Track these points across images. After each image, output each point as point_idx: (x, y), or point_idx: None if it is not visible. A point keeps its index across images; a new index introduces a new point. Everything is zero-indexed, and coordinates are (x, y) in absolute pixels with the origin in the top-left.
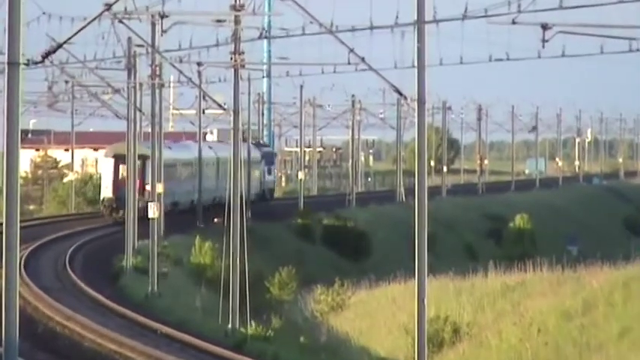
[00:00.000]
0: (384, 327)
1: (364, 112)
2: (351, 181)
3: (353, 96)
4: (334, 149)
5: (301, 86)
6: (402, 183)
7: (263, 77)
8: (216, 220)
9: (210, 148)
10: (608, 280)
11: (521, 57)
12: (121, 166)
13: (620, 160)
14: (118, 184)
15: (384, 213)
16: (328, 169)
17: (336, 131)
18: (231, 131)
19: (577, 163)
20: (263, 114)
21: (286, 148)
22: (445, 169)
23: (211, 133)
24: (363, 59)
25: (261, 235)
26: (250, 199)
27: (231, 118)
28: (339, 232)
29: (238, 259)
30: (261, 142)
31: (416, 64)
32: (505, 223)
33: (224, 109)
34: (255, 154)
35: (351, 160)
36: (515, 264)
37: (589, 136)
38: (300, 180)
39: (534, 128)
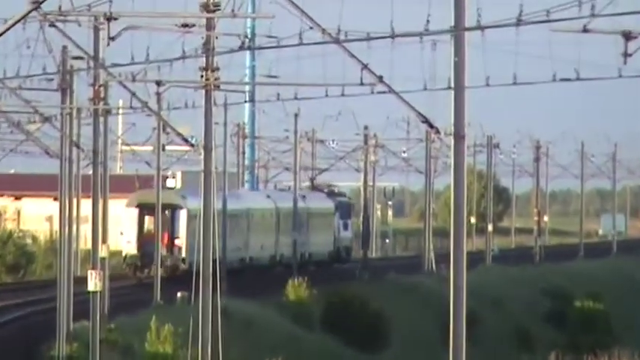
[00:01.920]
0: None
1: (381, 150)
2: (363, 242)
3: (366, 128)
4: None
5: (296, 115)
6: (431, 246)
7: (245, 102)
8: (179, 294)
9: (269, 197)
10: None
11: (595, 76)
12: (146, 218)
13: None
14: (144, 239)
15: (407, 287)
16: None
17: (343, 175)
18: (201, 174)
19: None
20: (244, 152)
21: None
22: (491, 227)
23: (173, 177)
24: (380, 78)
25: (241, 317)
26: (321, 259)
27: (201, 157)
28: (347, 314)
29: (210, 349)
30: (336, 190)
31: (452, 84)
32: (570, 302)
33: (191, 145)
34: (327, 204)
35: (363, 214)
36: (583, 357)
37: None
38: (295, 241)
39: None
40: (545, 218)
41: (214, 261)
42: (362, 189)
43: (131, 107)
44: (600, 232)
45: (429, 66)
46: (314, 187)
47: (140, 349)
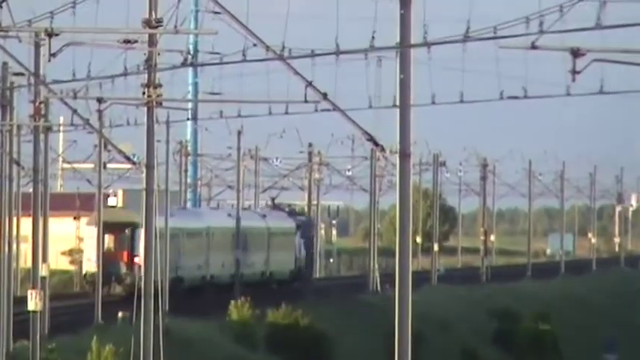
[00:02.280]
0: None
1: (325, 169)
2: (307, 262)
3: (310, 145)
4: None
5: (239, 132)
6: (376, 266)
7: (187, 120)
8: (120, 314)
9: (229, 215)
10: None
11: (543, 94)
12: (107, 236)
13: None
14: (104, 257)
15: (351, 308)
16: None
17: (287, 195)
18: (143, 192)
19: (617, 240)
20: (187, 170)
21: None
22: (437, 247)
23: (114, 195)
24: (325, 96)
25: (183, 337)
26: (282, 278)
27: (143, 174)
28: (290, 334)
29: None
30: (296, 209)
31: (398, 102)
32: (517, 323)
33: (133, 163)
34: (288, 224)
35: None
36: None
37: (634, 203)
38: (237, 260)
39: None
40: (492, 238)
41: (172, 280)
42: (306, 208)
43: (72, 124)
44: (548, 251)
45: (375, 83)
46: (274, 207)
47: None
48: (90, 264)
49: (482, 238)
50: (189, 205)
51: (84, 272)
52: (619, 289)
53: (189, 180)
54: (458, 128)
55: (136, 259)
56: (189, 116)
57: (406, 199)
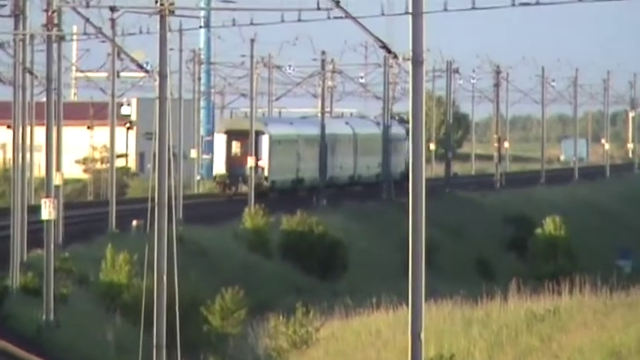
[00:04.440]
0: None
1: (339, 76)
2: (320, 170)
3: (323, 53)
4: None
5: (252, 40)
6: (390, 173)
7: (200, 28)
8: (134, 222)
9: (347, 123)
10: None
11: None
12: (233, 143)
13: None
14: (231, 161)
15: (365, 214)
16: None
17: (300, 101)
18: (156, 101)
19: (630, 145)
20: (200, 78)
21: None
22: (450, 154)
23: (128, 104)
24: (337, 3)
25: (197, 246)
26: (394, 179)
27: (156, 83)
28: (304, 241)
29: (165, 277)
30: (405, 118)
31: (411, 9)
32: (531, 229)
33: (146, 72)
34: (399, 130)
35: (321, 140)
36: (545, 285)
37: None
38: (250, 168)
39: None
40: (506, 144)
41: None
42: (320, 115)
43: (85, 33)
44: (562, 158)
45: None
46: (397, 120)
47: (95, 278)
48: (219, 167)
49: (495, 144)
50: (203, 113)
51: (214, 174)
52: (633, 194)
53: (202, 88)
54: (471, 35)
55: (260, 163)
56: (202, 24)
57: (419, 106)
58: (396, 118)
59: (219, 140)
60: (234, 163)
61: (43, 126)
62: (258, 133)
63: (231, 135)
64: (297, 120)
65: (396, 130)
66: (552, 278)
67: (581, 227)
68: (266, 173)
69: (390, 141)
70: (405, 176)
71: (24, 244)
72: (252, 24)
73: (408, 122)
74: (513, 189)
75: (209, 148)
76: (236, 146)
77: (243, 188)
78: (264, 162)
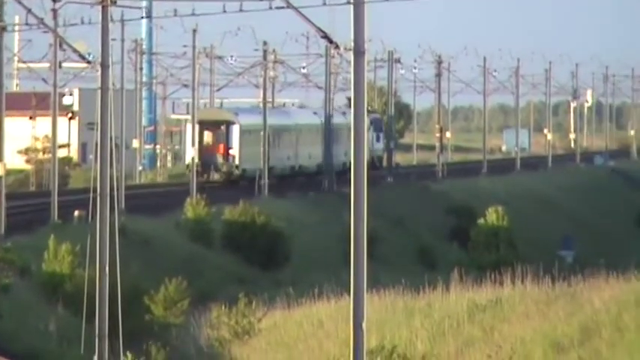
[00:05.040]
0: None
1: (281, 67)
2: (263, 159)
3: (265, 44)
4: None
5: (194, 31)
6: (332, 163)
7: (142, 18)
8: (76, 213)
9: (315, 113)
10: (615, 297)
11: None
12: (205, 132)
13: (632, 132)
14: (203, 150)
15: (307, 204)
16: None
17: (242, 92)
18: (98, 92)
19: (572, 136)
20: (142, 68)
21: (173, 116)
22: (392, 144)
23: (70, 94)
24: None
25: (139, 236)
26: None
27: (99, 73)
28: (246, 231)
29: (107, 267)
30: (369, 108)
31: None
32: (473, 219)
33: (88, 62)
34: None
35: (264, 132)
36: (487, 275)
37: (589, 99)
38: (192, 159)
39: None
40: (448, 134)
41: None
42: (262, 105)
43: (27, 24)
44: (504, 148)
45: None
46: (350, 105)
47: (37, 268)
48: (191, 156)
49: (437, 134)
50: (145, 103)
51: (186, 163)
52: (575, 185)
53: (144, 79)
54: (412, 25)
55: (231, 151)
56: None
57: (361, 96)
58: None
59: (191, 130)
60: (206, 152)
61: None
62: (230, 123)
63: (204, 125)
64: (268, 110)
65: None
66: (494, 268)
67: (523, 217)
68: (237, 162)
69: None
70: (369, 165)
71: None
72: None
73: (373, 111)
74: (455, 179)
75: (151, 138)
76: (208, 136)
77: (215, 176)
78: (235, 151)
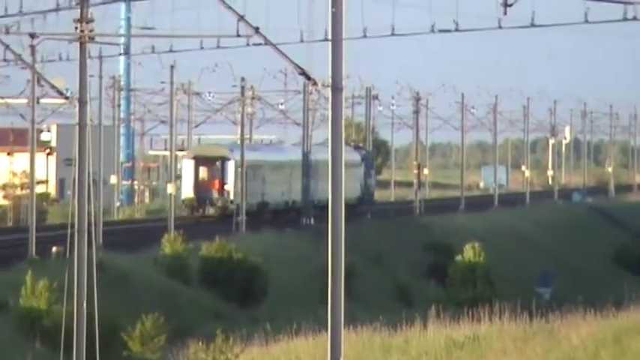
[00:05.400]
0: None
1: (258, 103)
2: (242, 196)
3: (243, 80)
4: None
5: (172, 67)
6: (310, 200)
7: (120, 55)
8: (54, 249)
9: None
10: (594, 334)
11: (474, 27)
12: (200, 168)
13: (610, 169)
14: (198, 185)
15: (284, 241)
16: None
17: (220, 128)
18: (76, 127)
19: (550, 173)
20: (119, 105)
21: (151, 152)
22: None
23: (48, 130)
24: (257, 30)
25: (117, 271)
26: (351, 203)
27: (76, 109)
28: (223, 268)
29: (85, 303)
30: (360, 145)
31: (330, 36)
32: (451, 256)
33: (66, 98)
34: (354, 156)
35: (241, 168)
36: (464, 311)
37: (567, 136)
38: (170, 195)
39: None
40: (426, 171)
41: (258, 204)
42: (240, 142)
43: (5, 60)
44: (481, 184)
45: (306, 17)
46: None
47: (15, 303)
48: (187, 191)
49: (415, 171)
50: (122, 140)
51: (182, 198)
52: (553, 221)
53: (122, 115)
54: (390, 62)
55: (226, 187)
56: (122, 51)
57: (338, 132)
58: (351, 144)
59: (187, 165)
60: (201, 188)
61: None
62: (225, 159)
63: (199, 160)
64: (263, 146)
65: (352, 156)
66: (472, 305)
67: (500, 254)
68: (232, 197)
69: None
70: (360, 200)
71: None
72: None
73: (363, 148)
74: (433, 216)
75: (128, 174)
76: (203, 171)
77: (210, 211)
78: (229, 186)
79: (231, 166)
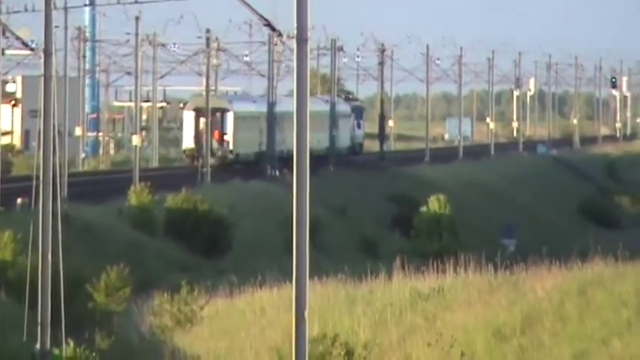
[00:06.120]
0: (250, 349)
1: (223, 54)
2: (206, 147)
3: (208, 31)
4: (182, 105)
5: (137, 18)
6: (274, 152)
7: (85, 6)
8: (19, 200)
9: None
10: (558, 285)
11: None
12: (201, 119)
13: (575, 121)
14: (198, 135)
15: (250, 192)
16: (174, 131)
17: (185, 80)
18: (41, 79)
19: (515, 124)
20: (85, 56)
21: (116, 103)
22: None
23: (13, 81)
24: None
25: (82, 223)
26: (341, 153)
27: (42, 61)
28: (189, 219)
29: (50, 254)
30: (350, 96)
31: None
32: (416, 208)
33: (32, 50)
34: (345, 107)
35: (207, 119)
36: (429, 263)
37: (532, 88)
38: (136, 147)
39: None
40: (391, 123)
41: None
42: (205, 93)
43: None
44: (446, 136)
45: None
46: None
47: None
48: (188, 141)
49: (379, 123)
50: (87, 91)
51: (183, 148)
52: (517, 173)
53: (87, 66)
54: (355, 13)
55: (225, 137)
56: (87, 2)
57: (304, 83)
58: (342, 96)
59: (188, 117)
60: (201, 138)
61: None
62: (224, 110)
63: (199, 112)
64: (260, 98)
65: (342, 107)
66: (437, 256)
67: (465, 206)
68: (231, 147)
69: (335, 117)
70: (351, 150)
71: None
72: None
73: (354, 100)
74: (398, 167)
75: (93, 125)
76: (203, 122)
77: (210, 161)
78: (229, 136)
79: (230, 118)
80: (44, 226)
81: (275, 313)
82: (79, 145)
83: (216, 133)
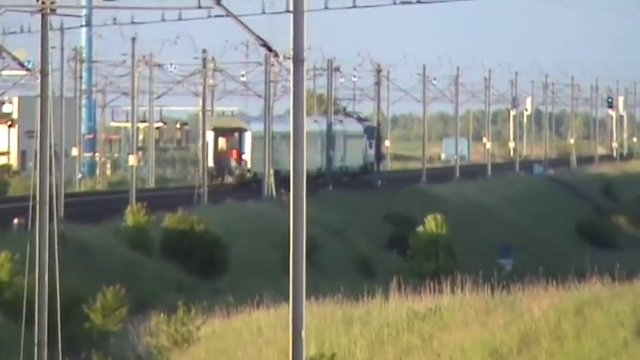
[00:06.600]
0: None
1: (220, 75)
2: (202, 168)
3: (204, 52)
4: (179, 125)
5: (133, 39)
6: (271, 171)
7: (81, 27)
8: (16, 220)
9: (315, 121)
10: (555, 305)
11: None
12: (219, 139)
13: (572, 141)
14: (218, 155)
15: (246, 213)
16: (170, 151)
17: (181, 100)
18: (38, 99)
19: (512, 144)
20: (81, 76)
21: (113, 123)
22: (332, 153)
23: (10, 102)
24: (218, 1)
25: (78, 243)
26: (353, 172)
27: (38, 81)
28: (185, 239)
29: (47, 274)
30: (361, 116)
31: (292, 7)
32: (412, 228)
33: (28, 70)
34: (357, 128)
35: (202, 139)
36: (426, 283)
37: (529, 107)
38: (132, 167)
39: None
40: (387, 143)
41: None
42: (201, 114)
43: None
44: (443, 156)
45: None
46: (346, 114)
47: None
48: (207, 161)
49: (375, 143)
50: (84, 112)
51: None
52: (514, 193)
53: (84, 86)
54: (352, 34)
55: (243, 156)
56: (84, 23)
57: (300, 104)
58: (354, 116)
59: (207, 137)
60: (220, 157)
61: None
62: (242, 130)
63: (218, 132)
64: (276, 119)
65: (355, 127)
66: (433, 277)
67: (462, 226)
68: (249, 166)
69: (345, 137)
70: (363, 169)
71: None
72: (133, 23)
73: (366, 120)
74: (394, 188)
75: (90, 146)
76: (222, 142)
77: (229, 180)
78: (247, 156)
79: (248, 137)
80: (41, 246)
81: (272, 332)
82: (76, 166)
83: (235, 153)
